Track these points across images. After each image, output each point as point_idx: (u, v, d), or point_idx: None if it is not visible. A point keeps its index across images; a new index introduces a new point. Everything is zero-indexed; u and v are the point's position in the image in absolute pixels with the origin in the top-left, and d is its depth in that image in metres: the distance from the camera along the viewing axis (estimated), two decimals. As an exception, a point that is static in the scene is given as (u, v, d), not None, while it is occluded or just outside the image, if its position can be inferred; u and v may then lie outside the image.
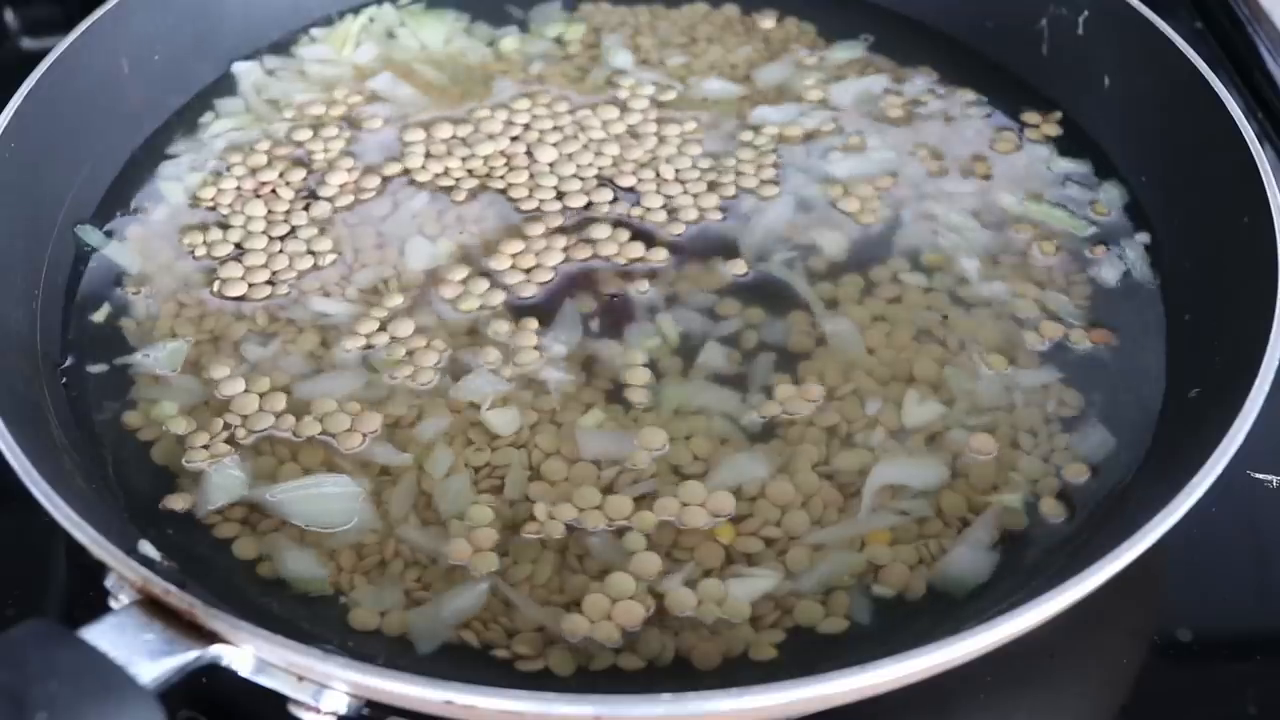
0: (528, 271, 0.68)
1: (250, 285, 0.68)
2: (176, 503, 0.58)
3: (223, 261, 0.69)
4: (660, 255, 0.69)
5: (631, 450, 0.60)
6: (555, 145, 0.75)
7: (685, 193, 0.72)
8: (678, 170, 0.74)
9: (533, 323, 0.66)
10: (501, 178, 0.74)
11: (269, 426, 0.61)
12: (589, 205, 0.72)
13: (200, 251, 0.70)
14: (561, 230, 0.70)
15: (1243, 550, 0.62)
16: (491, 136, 0.76)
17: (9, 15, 0.94)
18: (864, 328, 0.66)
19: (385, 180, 0.74)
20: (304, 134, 0.77)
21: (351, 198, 0.73)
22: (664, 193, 0.72)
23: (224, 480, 0.59)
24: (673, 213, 0.72)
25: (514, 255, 0.69)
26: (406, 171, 0.75)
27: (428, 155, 0.75)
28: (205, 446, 0.61)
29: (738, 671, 0.53)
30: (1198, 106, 0.68)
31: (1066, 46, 0.78)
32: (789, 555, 0.57)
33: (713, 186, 0.73)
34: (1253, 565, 0.62)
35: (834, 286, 0.68)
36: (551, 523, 0.58)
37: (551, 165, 0.74)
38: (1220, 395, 0.56)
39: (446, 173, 0.74)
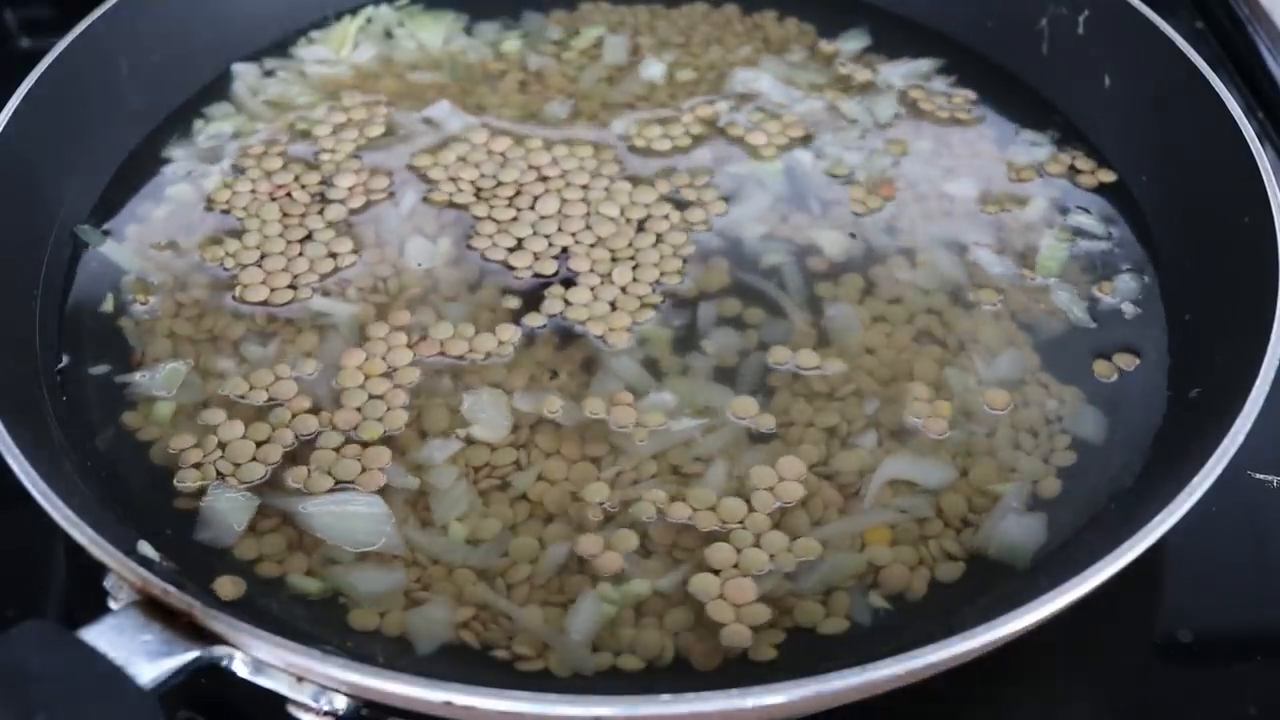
0: (390, 375, 0.64)
1: (272, 290, 0.68)
2: (228, 590, 0.55)
3: (243, 267, 0.69)
4: (509, 334, 0.65)
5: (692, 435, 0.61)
6: (564, 202, 0.72)
7: (613, 304, 0.67)
8: (635, 278, 0.68)
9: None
10: (491, 206, 0.72)
11: (262, 477, 0.60)
12: (528, 268, 0.68)
13: (230, 264, 0.69)
14: (404, 328, 0.66)
15: (1243, 551, 0.62)
16: (529, 168, 0.74)
17: (8, 15, 0.94)
18: (864, 328, 0.66)
19: (392, 177, 0.74)
20: (313, 134, 0.77)
21: (364, 199, 0.73)
22: (597, 293, 0.67)
23: (231, 505, 0.58)
24: (578, 307, 0.66)
25: (360, 366, 0.64)
26: (427, 168, 0.74)
27: (461, 159, 0.75)
28: (197, 466, 0.60)
29: (737, 672, 0.53)
30: (1198, 106, 0.68)
31: (1067, 46, 0.78)
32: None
33: (644, 308, 0.66)
34: (1253, 566, 0.62)
35: (834, 286, 0.68)
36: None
37: (541, 218, 0.71)
38: (1221, 395, 0.56)
39: (456, 179, 0.74)
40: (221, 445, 0.60)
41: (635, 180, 0.73)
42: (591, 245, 0.69)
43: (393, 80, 0.81)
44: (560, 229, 0.70)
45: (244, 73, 0.81)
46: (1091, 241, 0.70)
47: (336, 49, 0.83)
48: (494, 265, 0.69)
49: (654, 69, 0.82)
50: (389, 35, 0.85)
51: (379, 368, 0.64)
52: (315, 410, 0.62)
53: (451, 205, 0.72)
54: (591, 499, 0.58)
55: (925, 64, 0.82)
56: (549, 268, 0.69)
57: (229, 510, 0.58)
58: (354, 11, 0.86)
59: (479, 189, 0.73)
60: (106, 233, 0.71)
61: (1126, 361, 0.65)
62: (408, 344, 0.65)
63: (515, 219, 0.71)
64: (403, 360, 0.64)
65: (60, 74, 0.69)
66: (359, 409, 0.62)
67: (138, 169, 0.75)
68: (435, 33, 0.84)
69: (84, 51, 0.71)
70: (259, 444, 0.60)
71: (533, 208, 0.72)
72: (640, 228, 0.71)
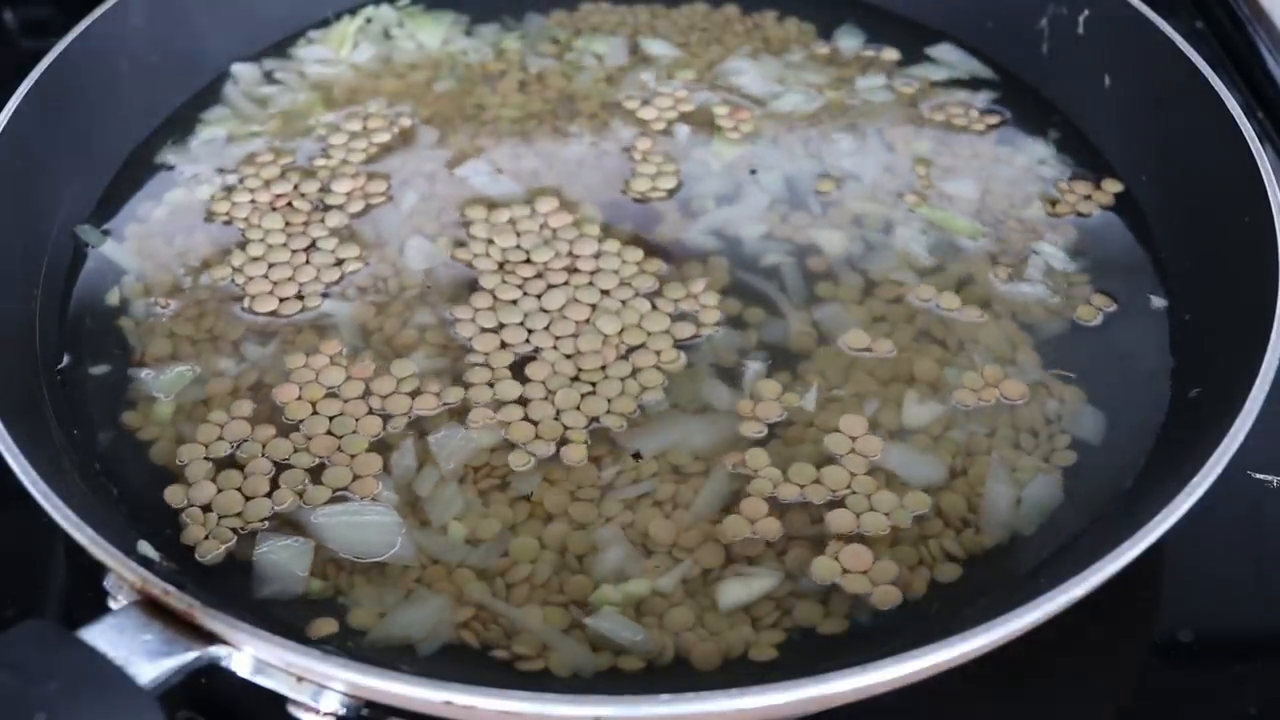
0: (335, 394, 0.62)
1: (281, 300, 0.67)
2: (323, 628, 0.54)
3: (250, 279, 0.68)
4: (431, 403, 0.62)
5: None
6: (570, 301, 0.66)
7: (536, 424, 0.61)
8: (578, 407, 0.62)
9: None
10: (503, 280, 0.68)
11: (268, 515, 0.58)
12: (485, 354, 0.64)
13: (239, 279, 0.68)
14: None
15: (1243, 550, 0.62)
16: (568, 254, 0.69)
17: (8, 15, 0.94)
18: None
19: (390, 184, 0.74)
20: (322, 138, 0.77)
21: (363, 203, 0.73)
22: (528, 411, 0.62)
23: (289, 554, 0.56)
24: (488, 410, 0.62)
25: (300, 397, 0.62)
26: (472, 221, 0.71)
27: (510, 223, 0.71)
28: (209, 537, 0.57)
29: (737, 671, 0.53)
30: (1198, 106, 0.68)
31: (1067, 46, 0.78)
32: (788, 554, 0.57)
33: (560, 443, 0.61)
34: (1253, 565, 0.62)
35: (834, 286, 0.68)
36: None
37: (540, 310, 0.66)
38: (1221, 395, 0.56)
39: (491, 241, 0.70)
40: (205, 508, 0.58)
41: (656, 300, 0.67)
42: (566, 356, 0.64)
43: (393, 80, 0.81)
44: (547, 329, 0.65)
45: (243, 73, 0.81)
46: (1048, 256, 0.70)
47: (336, 49, 0.83)
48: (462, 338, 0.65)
49: (656, 45, 0.82)
50: (388, 36, 0.85)
51: (318, 392, 0.63)
52: (285, 434, 0.61)
53: (470, 266, 0.69)
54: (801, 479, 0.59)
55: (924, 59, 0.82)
56: (502, 360, 0.64)
57: (288, 560, 0.56)
58: (353, 12, 0.86)
59: (505, 260, 0.69)
60: (106, 232, 0.71)
61: (1104, 302, 0.67)
62: (332, 363, 0.64)
63: (514, 302, 0.66)
64: (338, 379, 0.63)
65: (60, 74, 0.69)
66: (329, 431, 0.61)
67: (138, 169, 0.75)
68: (435, 33, 0.84)
69: (84, 51, 0.71)
70: (239, 488, 0.59)
71: (539, 296, 0.67)
72: (626, 355, 0.64)
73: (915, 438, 0.61)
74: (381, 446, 0.61)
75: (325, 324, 0.66)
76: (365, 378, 0.63)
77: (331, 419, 0.62)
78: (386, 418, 0.62)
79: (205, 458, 0.60)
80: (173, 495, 0.59)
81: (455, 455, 0.60)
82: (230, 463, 0.60)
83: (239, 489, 0.59)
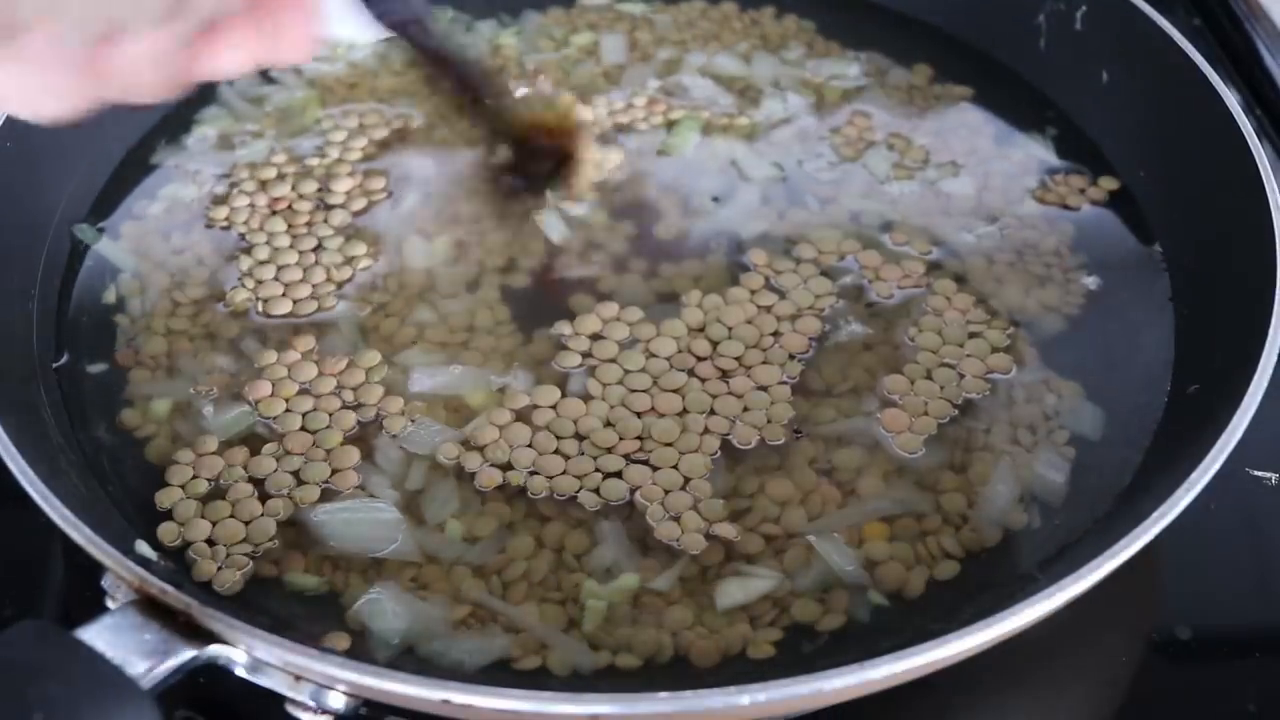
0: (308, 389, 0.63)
1: (295, 301, 0.67)
2: (340, 642, 0.54)
3: (260, 282, 0.68)
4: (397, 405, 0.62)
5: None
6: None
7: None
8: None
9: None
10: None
11: (274, 535, 0.57)
12: None
13: (250, 284, 0.67)
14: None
15: (1241, 547, 0.62)
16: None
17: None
18: (862, 321, 0.66)
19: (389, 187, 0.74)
20: (315, 135, 0.76)
21: (364, 201, 0.72)
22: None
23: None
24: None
25: (272, 394, 0.62)
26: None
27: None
28: (220, 569, 0.56)
29: (735, 669, 0.53)
30: (1196, 102, 0.68)
31: (1064, 41, 0.78)
32: (786, 554, 0.57)
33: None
34: (1251, 562, 0.62)
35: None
36: None
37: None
38: (1219, 391, 0.56)
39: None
40: (210, 542, 0.57)
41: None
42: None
43: (390, 77, 0.81)
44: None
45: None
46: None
47: (332, 46, 0.83)
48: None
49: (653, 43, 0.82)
50: (385, 33, 0.84)
51: (291, 389, 0.63)
52: (258, 449, 0.60)
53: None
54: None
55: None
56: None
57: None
58: (350, 9, 0.85)
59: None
60: (102, 231, 0.71)
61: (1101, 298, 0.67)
62: (304, 359, 0.64)
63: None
64: (310, 374, 0.63)
65: (57, 72, 0.69)
66: (303, 428, 0.61)
67: (134, 168, 0.75)
68: (433, 30, 0.84)
69: (80, 50, 0.71)
70: (230, 516, 0.58)
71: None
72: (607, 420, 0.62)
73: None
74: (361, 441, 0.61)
75: (323, 321, 0.66)
76: (332, 372, 0.63)
77: (304, 414, 0.61)
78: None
79: (192, 495, 0.59)
80: (167, 532, 0.57)
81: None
82: (217, 492, 0.59)
83: (232, 515, 0.58)
